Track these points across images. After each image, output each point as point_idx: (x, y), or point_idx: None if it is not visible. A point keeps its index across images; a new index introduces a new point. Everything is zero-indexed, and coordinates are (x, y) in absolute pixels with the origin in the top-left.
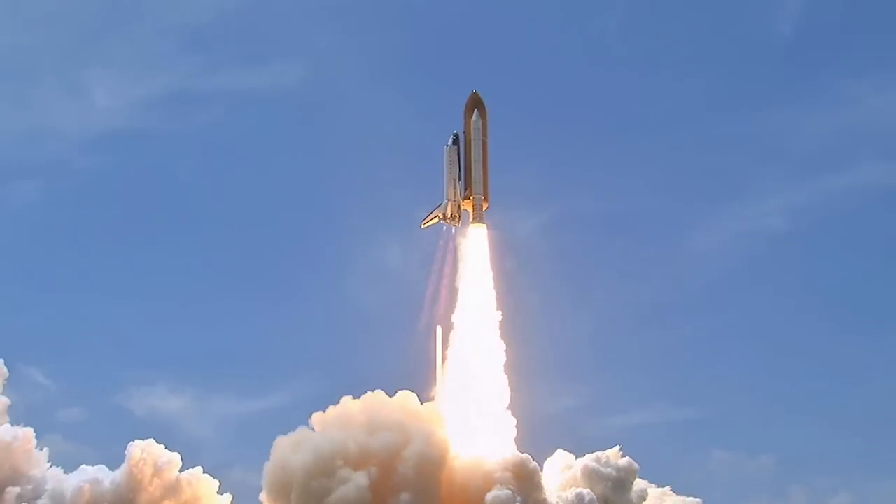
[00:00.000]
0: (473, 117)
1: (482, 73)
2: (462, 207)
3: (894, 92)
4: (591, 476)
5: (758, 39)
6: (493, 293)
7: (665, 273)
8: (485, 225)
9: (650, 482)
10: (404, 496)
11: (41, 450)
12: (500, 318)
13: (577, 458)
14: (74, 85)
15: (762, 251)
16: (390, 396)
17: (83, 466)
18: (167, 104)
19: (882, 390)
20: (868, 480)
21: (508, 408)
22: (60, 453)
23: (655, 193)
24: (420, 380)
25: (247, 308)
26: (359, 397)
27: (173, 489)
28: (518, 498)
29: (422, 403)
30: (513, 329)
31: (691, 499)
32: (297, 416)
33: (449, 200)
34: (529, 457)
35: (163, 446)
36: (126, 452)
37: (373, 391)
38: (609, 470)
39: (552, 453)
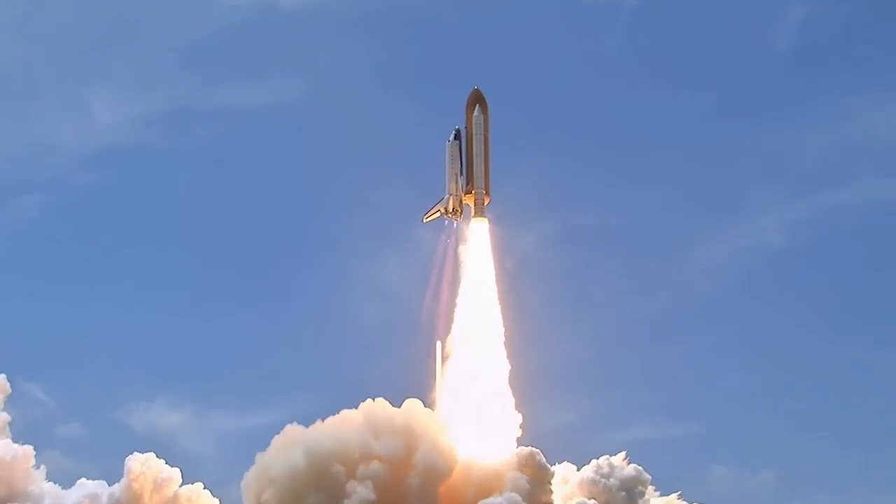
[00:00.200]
0: (475, 112)
1: (485, 85)
2: (464, 202)
3: (894, 107)
4: (595, 485)
5: (756, 55)
6: (495, 306)
7: (663, 288)
8: (486, 219)
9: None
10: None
11: (38, 468)
12: (500, 333)
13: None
14: (74, 101)
15: (761, 267)
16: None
17: (82, 480)
18: (167, 120)
19: (883, 406)
20: (869, 497)
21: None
22: (59, 469)
23: (653, 209)
24: (420, 395)
25: (247, 323)
26: None
27: None
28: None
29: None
30: (511, 345)
31: None
32: None
33: (451, 195)
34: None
35: (163, 461)
36: (125, 466)
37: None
38: (614, 481)
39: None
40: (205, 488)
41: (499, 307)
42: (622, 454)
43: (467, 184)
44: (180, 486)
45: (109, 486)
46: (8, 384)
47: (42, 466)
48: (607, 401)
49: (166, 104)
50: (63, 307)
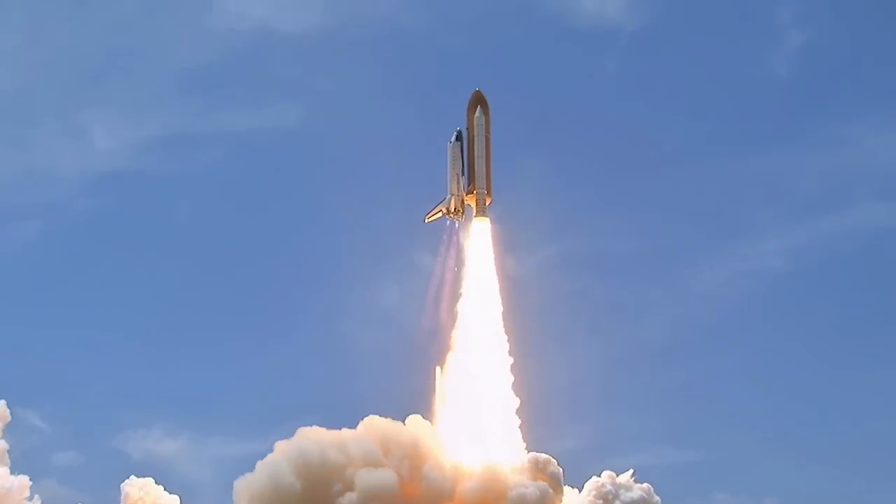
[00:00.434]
0: (476, 113)
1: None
2: (465, 202)
3: (893, 132)
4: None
5: (755, 80)
6: (495, 326)
7: (663, 314)
8: (488, 219)
9: None
10: None
11: (31, 499)
12: (501, 359)
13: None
14: (73, 126)
15: (761, 292)
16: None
17: None
18: (166, 145)
19: (886, 431)
20: None
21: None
22: (55, 499)
23: (653, 234)
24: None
25: (245, 349)
26: None
27: None
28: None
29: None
30: (509, 371)
31: None
32: None
33: (452, 195)
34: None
35: (161, 487)
36: (122, 492)
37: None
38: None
39: None
40: None
41: (499, 326)
42: (629, 472)
43: (469, 184)
44: None
45: None
46: (8, 411)
47: (36, 496)
48: (607, 426)
49: (166, 129)
50: (60, 333)
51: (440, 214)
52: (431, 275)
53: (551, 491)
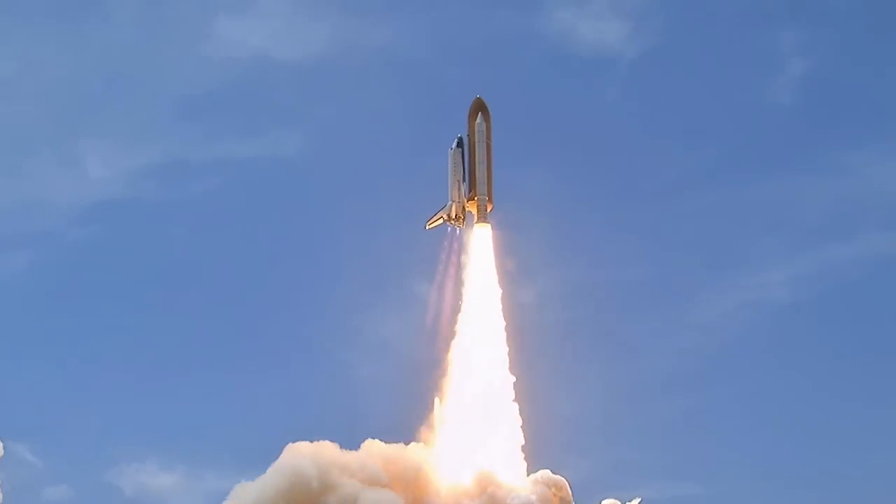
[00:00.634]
0: (477, 120)
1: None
2: (466, 209)
3: None
4: None
5: (758, 108)
6: (496, 353)
7: (665, 345)
8: (489, 224)
9: None
10: None
11: None
12: (502, 394)
13: None
14: (68, 154)
15: (765, 323)
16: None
17: None
18: (163, 173)
19: (890, 466)
20: None
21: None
22: None
23: (654, 263)
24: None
25: (240, 381)
26: None
27: None
28: None
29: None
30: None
31: None
32: None
33: (453, 202)
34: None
35: None
36: None
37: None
38: None
39: None
40: None
41: (501, 354)
42: (636, 501)
43: (470, 190)
44: None
45: None
46: (1, 444)
47: None
48: (606, 460)
49: (161, 158)
50: (51, 364)
51: (441, 221)
52: (429, 301)
53: None
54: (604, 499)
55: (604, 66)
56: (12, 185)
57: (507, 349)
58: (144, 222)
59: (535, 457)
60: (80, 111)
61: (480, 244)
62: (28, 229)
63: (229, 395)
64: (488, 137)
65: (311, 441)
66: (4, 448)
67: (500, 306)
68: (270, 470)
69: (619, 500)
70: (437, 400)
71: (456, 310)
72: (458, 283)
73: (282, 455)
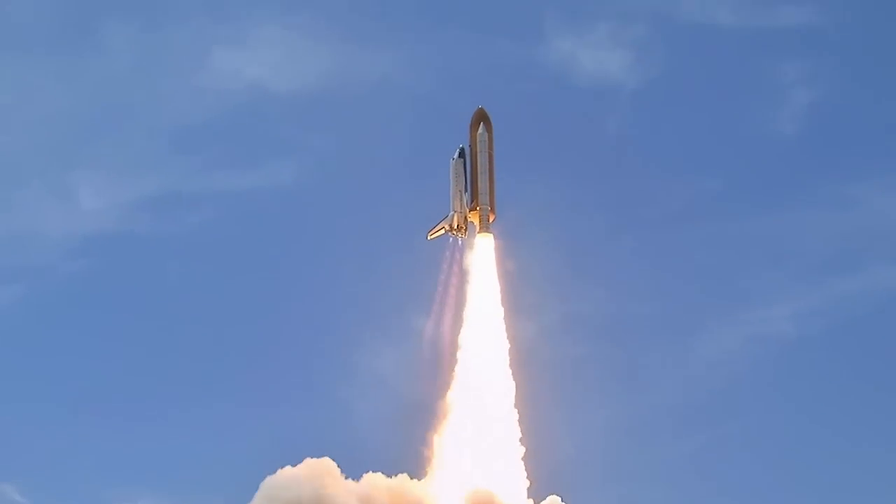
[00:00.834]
0: (479, 130)
1: None
2: (468, 219)
3: None
4: None
5: (761, 139)
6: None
7: (668, 381)
8: (491, 234)
9: None
10: None
11: None
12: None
13: None
14: (60, 187)
15: (771, 358)
16: None
17: None
18: (157, 205)
19: None
20: None
21: None
22: None
23: (657, 296)
24: None
25: (236, 418)
26: None
27: None
28: None
29: None
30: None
31: None
32: None
33: (455, 212)
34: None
35: None
36: None
37: None
38: None
39: None
40: None
41: (504, 386)
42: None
43: (472, 200)
44: None
45: None
46: None
47: None
48: (611, 496)
49: (156, 189)
50: (41, 402)
51: (443, 231)
52: (426, 333)
53: None
54: None
55: (605, 96)
56: (3, 217)
57: (511, 382)
58: (138, 255)
59: (539, 493)
60: (72, 142)
61: (483, 255)
62: (19, 263)
63: (224, 433)
64: (490, 147)
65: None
66: None
67: (505, 335)
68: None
69: None
70: (436, 437)
71: (458, 330)
72: (461, 302)
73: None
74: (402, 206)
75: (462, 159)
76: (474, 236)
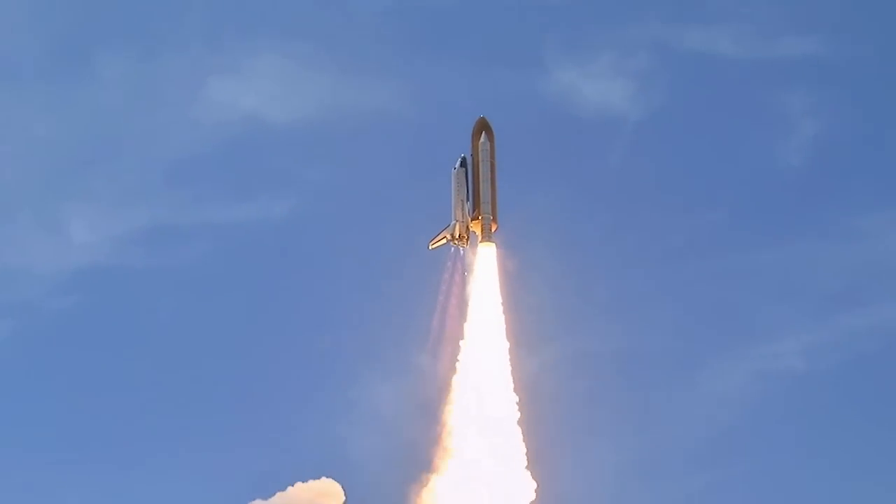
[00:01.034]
0: (481, 139)
1: None
2: (470, 228)
3: None
4: None
5: (768, 171)
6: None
7: (675, 417)
8: (493, 244)
9: None
10: None
11: None
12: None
13: None
14: (50, 220)
15: (781, 394)
16: None
17: None
18: (150, 239)
19: None
20: None
21: None
22: None
23: (663, 332)
24: None
25: (231, 456)
26: None
27: None
28: None
29: None
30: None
31: None
32: None
33: (457, 221)
34: None
35: None
36: None
37: None
38: None
39: None
40: None
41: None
42: None
43: (474, 210)
44: None
45: None
46: None
47: None
48: None
49: (148, 222)
50: (30, 440)
51: (444, 241)
52: (426, 367)
53: None
54: None
55: (608, 127)
56: None
57: (515, 413)
58: (130, 290)
59: None
60: (64, 173)
61: (485, 264)
62: (7, 298)
63: (219, 471)
64: (492, 156)
65: None
66: None
67: (509, 370)
68: None
69: None
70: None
71: (459, 363)
72: (462, 332)
73: None
74: (400, 237)
75: (464, 168)
76: (476, 245)
